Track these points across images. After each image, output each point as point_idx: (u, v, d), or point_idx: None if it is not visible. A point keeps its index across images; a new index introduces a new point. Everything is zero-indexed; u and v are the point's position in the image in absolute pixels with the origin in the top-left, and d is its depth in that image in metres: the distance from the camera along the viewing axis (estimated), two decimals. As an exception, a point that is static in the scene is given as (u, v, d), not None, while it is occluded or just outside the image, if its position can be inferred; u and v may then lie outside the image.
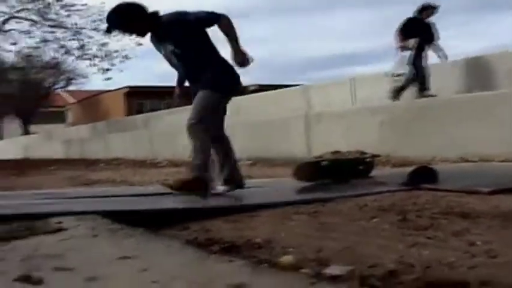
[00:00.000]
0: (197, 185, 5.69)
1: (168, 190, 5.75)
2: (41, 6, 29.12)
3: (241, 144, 15.34)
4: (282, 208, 4.71)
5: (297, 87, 19.09)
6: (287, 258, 2.76)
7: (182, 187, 5.71)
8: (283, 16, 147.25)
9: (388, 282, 2.39)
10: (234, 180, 6.16)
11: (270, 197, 5.49)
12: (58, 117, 61.69)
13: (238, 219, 4.36)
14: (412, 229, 3.60)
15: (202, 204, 5.22)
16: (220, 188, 6.11)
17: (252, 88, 42.42)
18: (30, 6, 29.36)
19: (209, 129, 5.87)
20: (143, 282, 2.36)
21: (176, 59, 6.00)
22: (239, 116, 17.70)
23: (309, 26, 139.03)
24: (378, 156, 7.47)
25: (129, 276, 2.50)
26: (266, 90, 22.09)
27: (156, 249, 3.04)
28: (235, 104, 17.95)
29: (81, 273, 2.55)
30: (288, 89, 19.44)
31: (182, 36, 5.85)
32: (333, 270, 2.51)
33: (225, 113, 6.15)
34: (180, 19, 5.87)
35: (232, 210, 4.67)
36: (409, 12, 13.68)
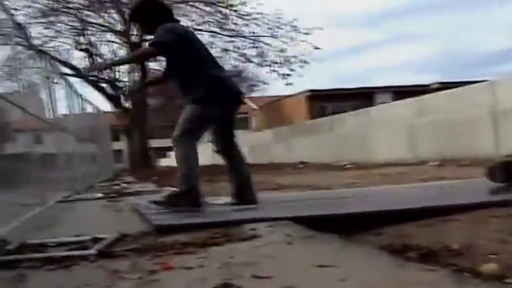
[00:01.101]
0: (184, 199, 5.68)
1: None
2: (219, 17, 30.06)
3: (426, 145, 15.08)
4: (477, 211, 4.52)
5: (482, 83, 18.38)
6: (490, 267, 2.61)
7: (171, 203, 5.71)
8: (458, 9, 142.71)
9: None
10: (242, 196, 6.04)
11: (463, 199, 5.28)
12: (242, 123, 63.44)
13: (432, 223, 4.24)
14: None
15: (393, 207, 5.10)
16: (219, 201, 6.17)
17: (433, 86, 41.48)
18: (209, 18, 30.40)
19: (194, 140, 5.86)
20: (342, 292, 2.34)
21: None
22: (423, 116, 17.34)
23: (485, 18, 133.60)
24: None
25: (327, 286, 2.48)
26: (448, 88, 21.46)
27: (353, 256, 3.00)
28: (418, 104, 17.52)
29: (279, 282, 2.56)
30: (471, 85, 18.77)
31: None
32: (543, 280, 2.36)
33: (231, 128, 6.11)
34: None
35: (425, 213, 4.54)
36: None
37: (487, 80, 17.63)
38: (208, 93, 5.82)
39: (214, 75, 5.93)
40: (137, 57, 6.20)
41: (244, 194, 6.05)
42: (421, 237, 3.70)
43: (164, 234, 4.24)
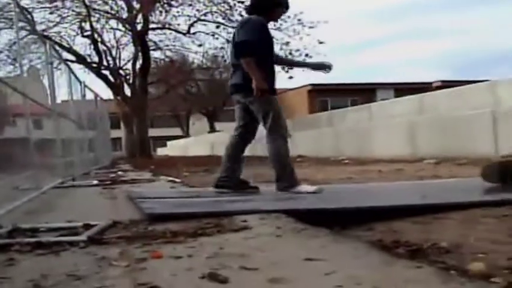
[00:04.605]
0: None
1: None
2: (225, 8, 29.94)
3: (425, 142, 15.06)
4: (469, 210, 4.52)
5: (483, 83, 18.31)
6: (477, 266, 2.60)
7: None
8: (479, 8, 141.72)
9: None
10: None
11: (457, 197, 5.28)
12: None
13: (423, 220, 4.24)
14: None
15: (386, 203, 5.10)
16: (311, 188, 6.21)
17: (436, 85, 41.54)
18: (215, 9, 30.26)
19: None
20: (327, 285, 2.33)
21: None
22: (423, 114, 17.33)
23: (505, 16, 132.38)
24: None
25: (313, 279, 2.48)
26: (450, 86, 21.40)
27: (342, 251, 2.99)
28: (418, 102, 17.50)
29: (266, 274, 2.56)
30: (473, 85, 18.70)
31: None
32: (529, 280, 2.35)
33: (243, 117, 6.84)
34: None
35: (418, 210, 4.53)
36: None
37: (489, 80, 17.61)
38: None
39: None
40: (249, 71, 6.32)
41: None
42: (412, 234, 3.71)
43: (155, 223, 4.24)
